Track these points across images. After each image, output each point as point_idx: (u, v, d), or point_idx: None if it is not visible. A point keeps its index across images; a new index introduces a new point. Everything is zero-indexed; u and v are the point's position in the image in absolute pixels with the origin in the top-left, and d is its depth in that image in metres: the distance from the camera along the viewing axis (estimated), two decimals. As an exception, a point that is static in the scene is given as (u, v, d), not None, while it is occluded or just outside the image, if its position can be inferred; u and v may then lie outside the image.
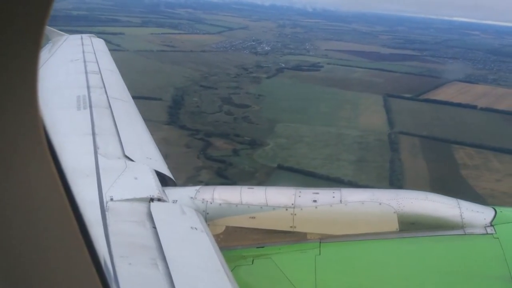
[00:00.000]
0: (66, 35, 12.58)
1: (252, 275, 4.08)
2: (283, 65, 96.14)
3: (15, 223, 0.94)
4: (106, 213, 3.73)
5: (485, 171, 48.42)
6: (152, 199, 4.10)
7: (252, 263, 4.13)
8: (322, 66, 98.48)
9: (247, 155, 48.79)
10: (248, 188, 4.60)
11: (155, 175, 4.69)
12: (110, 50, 12.14)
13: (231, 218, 4.34)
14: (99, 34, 13.31)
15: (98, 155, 4.86)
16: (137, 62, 74.22)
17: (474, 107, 72.28)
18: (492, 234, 3.96)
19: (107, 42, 12.94)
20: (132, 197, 4.08)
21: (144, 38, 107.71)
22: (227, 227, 4.33)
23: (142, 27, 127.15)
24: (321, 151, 51.20)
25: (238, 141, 52.30)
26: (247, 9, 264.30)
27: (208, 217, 4.34)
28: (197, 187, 4.66)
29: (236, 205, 4.36)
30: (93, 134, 5.49)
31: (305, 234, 4.23)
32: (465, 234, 4.02)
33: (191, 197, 4.45)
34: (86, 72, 8.39)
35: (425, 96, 77.94)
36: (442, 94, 80.00)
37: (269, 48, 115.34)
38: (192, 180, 37.11)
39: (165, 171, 5.17)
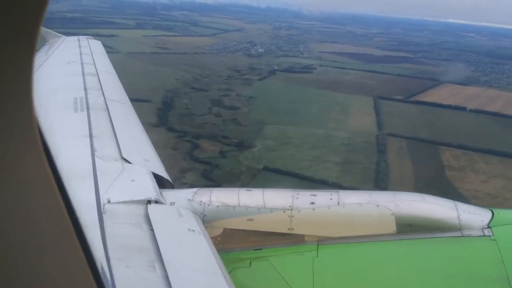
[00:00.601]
0: (63, 37, 12.47)
1: (249, 277, 4.05)
2: (275, 67, 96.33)
3: (9, 226, 0.92)
4: (103, 215, 3.73)
5: (471, 173, 48.65)
6: (149, 201, 4.10)
7: (250, 266, 4.09)
8: (314, 68, 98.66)
9: (233, 157, 48.93)
10: (246, 190, 4.57)
11: (153, 177, 4.69)
12: (102, 52, 11.93)
13: (228, 220, 4.30)
14: (92, 36, 13.31)
15: (95, 157, 4.86)
16: (128, 64, 74.06)
17: (463, 108, 72.57)
18: (489, 236, 3.95)
19: (100, 44, 12.91)
20: (130, 199, 4.07)
21: (137, 40, 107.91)
22: (225, 229, 4.30)
23: (136, 29, 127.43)
24: (308, 152, 51.37)
25: (226, 143, 52.38)
26: (243, 11, 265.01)
27: (206, 219, 4.30)
28: (195, 189, 4.62)
29: (234, 207, 4.33)
30: (90, 136, 5.49)
31: (302, 236, 4.21)
32: (463, 236, 4.00)
33: (189, 199, 4.42)
34: (83, 74, 8.37)
35: (416, 98, 78.20)
36: (433, 96, 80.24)
37: (263, 50, 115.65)
38: (176, 182, 37.14)
39: (163, 173, 5.15)
